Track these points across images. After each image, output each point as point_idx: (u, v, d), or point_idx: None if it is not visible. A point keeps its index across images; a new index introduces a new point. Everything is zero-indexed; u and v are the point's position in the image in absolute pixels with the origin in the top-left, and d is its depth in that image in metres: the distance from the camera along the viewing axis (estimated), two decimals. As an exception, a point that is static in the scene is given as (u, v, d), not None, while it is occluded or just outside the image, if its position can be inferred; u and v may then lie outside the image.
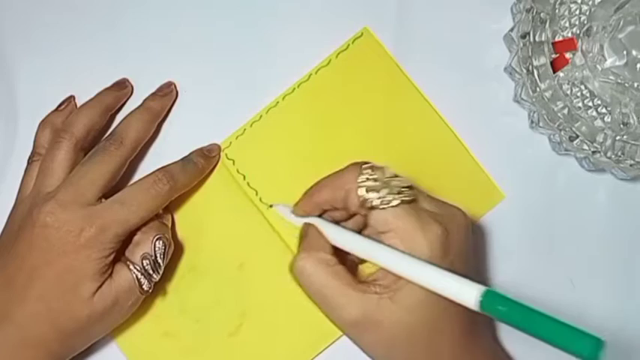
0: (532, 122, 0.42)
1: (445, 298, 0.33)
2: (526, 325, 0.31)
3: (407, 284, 0.34)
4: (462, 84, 0.44)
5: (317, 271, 0.36)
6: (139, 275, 0.39)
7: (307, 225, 0.39)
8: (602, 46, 0.38)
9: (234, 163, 0.44)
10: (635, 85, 0.38)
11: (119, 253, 0.40)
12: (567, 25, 0.39)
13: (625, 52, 0.37)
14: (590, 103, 0.39)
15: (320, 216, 0.39)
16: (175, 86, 0.44)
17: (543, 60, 0.38)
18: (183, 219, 0.44)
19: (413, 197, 0.36)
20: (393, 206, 0.35)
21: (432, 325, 0.35)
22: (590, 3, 0.39)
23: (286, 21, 0.45)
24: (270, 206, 0.41)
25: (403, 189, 0.35)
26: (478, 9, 0.43)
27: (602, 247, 0.43)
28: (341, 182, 0.37)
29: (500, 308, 0.31)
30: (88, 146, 0.42)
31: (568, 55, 0.39)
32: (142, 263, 0.39)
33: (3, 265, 0.39)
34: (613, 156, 0.39)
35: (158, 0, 0.45)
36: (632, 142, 0.38)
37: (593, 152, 0.39)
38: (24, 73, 0.46)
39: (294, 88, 0.44)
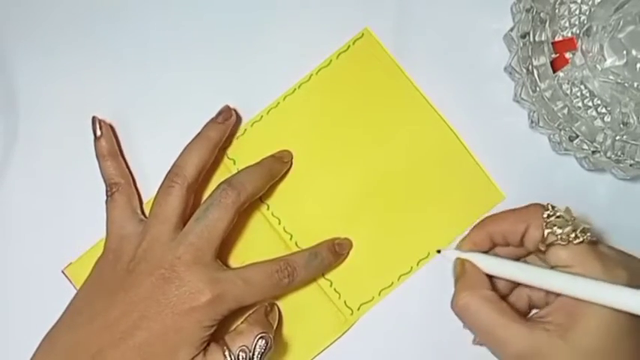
0: (532, 122, 0.42)
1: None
2: None
3: (581, 324, 0.34)
4: (462, 84, 0.44)
5: (482, 309, 0.36)
6: None
7: (462, 261, 0.38)
8: (601, 46, 0.38)
9: (234, 163, 0.44)
10: (635, 84, 0.38)
11: (215, 334, 0.39)
12: (567, 24, 0.39)
13: (625, 52, 0.37)
14: (590, 103, 0.39)
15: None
16: (236, 111, 0.44)
17: (543, 60, 0.38)
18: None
19: (596, 239, 0.36)
20: (575, 244, 0.35)
21: None
22: (590, 3, 0.39)
23: (287, 22, 0.45)
24: (439, 251, 0.40)
25: (588, 229, 0.36)
26: (478, 9, 0.44)
27: (602, 247, 0.43)
28: (523, 216, 0.37)
29: None
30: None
31: (568, 55, 0.39)
32: (239, 355, 0.38)
33: (110, 304, 0.38)
34: (613, 156, 0.39)
35: (158, 1, 0.46)
36: (632, 141, 0.38)
37: (593, 152, 0.39)
38: (24, 72, 0.46)
39: (295, 89, 0.44)
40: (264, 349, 0.38)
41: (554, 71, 0.39)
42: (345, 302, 0.43)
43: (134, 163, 0.44)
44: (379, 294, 0.43)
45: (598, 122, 0.39)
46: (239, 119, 0.44)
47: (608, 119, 0.39)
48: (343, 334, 0.43)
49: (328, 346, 0.43)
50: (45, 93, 0.45)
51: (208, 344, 0.38)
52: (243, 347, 0.38)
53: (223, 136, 0.43)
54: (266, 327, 0.39)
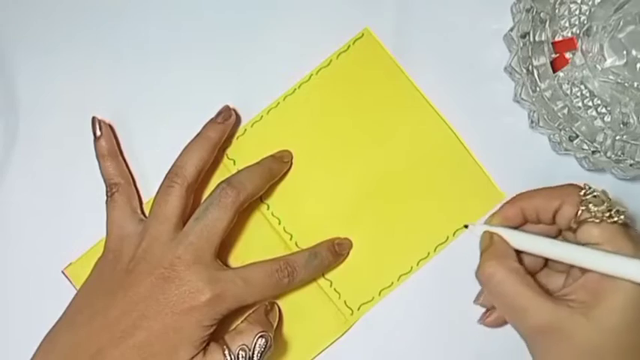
0: (532, 122, 0.42)
1: None
2: None
3: (605, 302, 0.34)
4: (462, 84, 0.44)
5: (508, 279, 0.36)
6: None
7: (490, 233, 0.38)
8: (602, 46, 0.38)
9: (234, 163, 0.44)
10: (635, 84, 0.38)
11: (215, 334, 0.39)
12: (567, 24, 0.39)
13: (625, 52, 0.37)
14: (590, 103, 0.39)
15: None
16: (235, 111, 0.44)
17: (543, 60, 0.38)
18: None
19: (629, 222, 0.36)
20: (609, 222, 0.35)
21: (625, 355, 0.34)
22: (590, 3, 0.39)
23: (287, 22, 0.45)
24: (466, 226, 0.40)
25: (622, 211, 0.36)
26: (478, 9, 0.44)
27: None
28: (558, 192, 0.37)
29: None
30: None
31: (568, 55, 0.39)
32: (238, 354, 0.38)
33: (110, 303, 0.38)
34: (613, 156, 0.39)
35: (158, 1, 0.46)
36: (632, 141, 0.38)
37: (593, 152, 0.39)
38: (24, 72, 0.46)
39: (295, 89, 0.44)
40: (264, 348, 0.38)
41: (554, 71, 0.39)
42: (345, 302, 0.43)
43: (134, 163, 0.45)
44: (379, 294, 0.43)
45: (598, 122, 0.39)
46: (239, 119, 0.44)
47: (608, 119, 0.39)
48: (343, 334, 0.43)
49: (328, 346, 0.43)
50: (45, 93, 0.45)
51: (208, 344, 0.38)
52: (243, 346, 0.38)
53: (223, 136, 0.43)
54: (266, 326, 0.39)
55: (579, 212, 0.36)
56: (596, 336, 0.34)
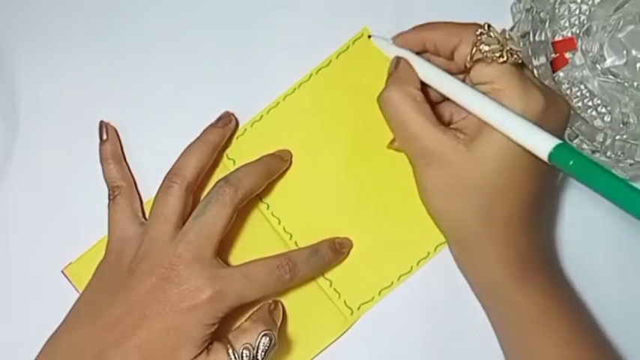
0: (532, 122, 0.42)
1: (521, 156, 0.35)
2: (592, 181, 0.31)
3: (486, 135, 0.36)
4: (462, 83, 0.44)
5: (404, 103, 0.37)
6: None
7: (399, 58, 0.40)
8: (601, 46, 0.38)
9: (234, 163, 0.44)
10: (635, 84, 0.38)
11: (218, 333, 0.39)
12: (567, 24, 0.39)
13: (625, 52, 0.38)
14: (590, 103, 0.39)
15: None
16: (235, 116, 0.44)
17: (543, 59, 0.38)
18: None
19: (521, 62, 0.37)
20: (499, 62, 0.36)
21: (497, 188, 0.36)
22: (590, 3, 0.39)
23: (287, 21, 0.45)
24: (370, 37, 0.42)
25: (516, 52, 0.36)
26: (478, 9, 0.44)
27: (601, 247, 0.43)
28: (457, 29, 0.38)
29: (570, 162, 0.32)
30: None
31: (568, 55, 0.39)
32: (242, 353, 0.37)
33: (111, 304, 0.38)
34: (613, 155, 0.39)
35: (158, 0, 0.46)
36: (632, 141, 0.38)
37: (593, 152, 0.39)
38: (24, 72, 0.46)
39: (295, 89, 0.44)
40: (268, 347, 0.38)
41: (554, 71, 0.39)
42: (345, 302, 0.43)
43: (133, 165, 0.44)
44: (379, 294, 0.43)
45: (598, 122, 0.39)
46: (237, 123, 0.44)
47: (608, 119, 0.39)
48: (343, 334, 0.43)
49: (328, 346, 0.43)
50: (45, 93, 0.45)
51: (211, 343, 0.38)
52: (247, 345, 0.37)
53: (222, 140, 0.43)
54: (270, 325, 0.39)
55: (473, 51, 0.37)
56: (473, 168, 0.36)
